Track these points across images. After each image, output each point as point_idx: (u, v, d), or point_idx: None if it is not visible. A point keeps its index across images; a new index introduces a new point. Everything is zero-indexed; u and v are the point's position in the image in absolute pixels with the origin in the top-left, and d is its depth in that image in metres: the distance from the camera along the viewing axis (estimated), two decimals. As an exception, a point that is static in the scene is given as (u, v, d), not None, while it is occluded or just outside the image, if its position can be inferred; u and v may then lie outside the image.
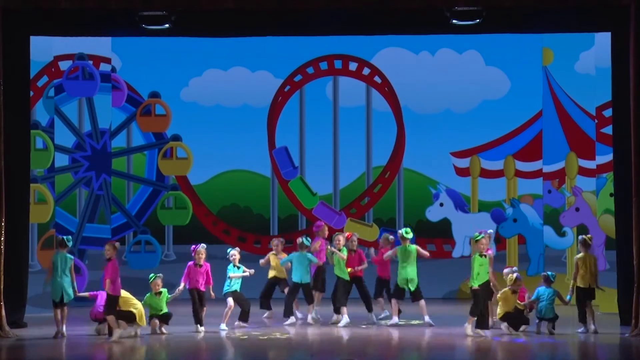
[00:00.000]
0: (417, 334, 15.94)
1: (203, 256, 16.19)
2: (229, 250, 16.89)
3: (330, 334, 16.12)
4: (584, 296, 16.10)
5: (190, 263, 16.18)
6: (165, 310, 16.00)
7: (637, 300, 15.63)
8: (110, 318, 15.26)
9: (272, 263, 17.91)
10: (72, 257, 16.00)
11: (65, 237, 16.32)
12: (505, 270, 16.23)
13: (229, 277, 16.70)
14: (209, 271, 16.29)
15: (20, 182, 16.69)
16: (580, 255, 16.28)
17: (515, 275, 15.98)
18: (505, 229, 21.31)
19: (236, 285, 16.73)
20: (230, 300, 16.56)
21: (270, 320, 17.64)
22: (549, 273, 16.38)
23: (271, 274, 17.97)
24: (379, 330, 16.41)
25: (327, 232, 18.18)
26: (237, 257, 16.84)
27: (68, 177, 20.49)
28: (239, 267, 16.77)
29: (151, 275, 16.24)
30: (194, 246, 16.28)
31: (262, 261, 17.94)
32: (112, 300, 15.31)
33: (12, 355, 14.18)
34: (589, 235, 16.51)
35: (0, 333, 15.57)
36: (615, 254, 16.85)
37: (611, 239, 18.09)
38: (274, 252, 17.93)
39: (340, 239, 17.38)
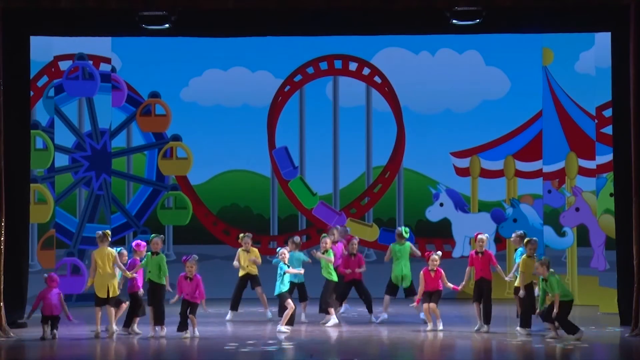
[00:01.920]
0: (417, 334, 15.93)
1: (194, 269, 15.59)
2: (279, 250, 16.61)
3: (329, 334, 16.12)
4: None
5: (182, 275, 15.70)
6: (157, 279, 15.65)
7: (637, 300, 15.62)
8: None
9: (242, 262, 17.67)
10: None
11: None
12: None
13: (283, 274, 16.33)
14: (201, 283, 15.61)
15: (20, 182, 16.68)
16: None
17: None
18: (505, 229, 21.30)
19: (288, 285, 16.48)
20: (290, 302, 16.25)
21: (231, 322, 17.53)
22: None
23: (242, 272, 17.75)
24: (379, 330, 16.41)
25: (336, 234, 17.97)
26: (287, 255, 16.58)
27: (68, 177, 20.49)
28: (288, 266, 16.51)
29: (152, 235, 16.09)
30: (184, 257, 15.81)
31: (235, 263, 17.71)
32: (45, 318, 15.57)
33: (12, 355, 14.18)
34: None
35: (0, 333, 15.57)
36: (615, 254, 16.85)
37: (611, 239, 18.08)
38: (243, 248, 17.68)
39: (327, 241, 17.25)
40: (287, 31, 17.80)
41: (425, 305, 16.32)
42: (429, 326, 16.21)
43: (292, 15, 16.65)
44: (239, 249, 17.88)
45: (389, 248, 17.55)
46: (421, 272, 16.45)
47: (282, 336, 15.71)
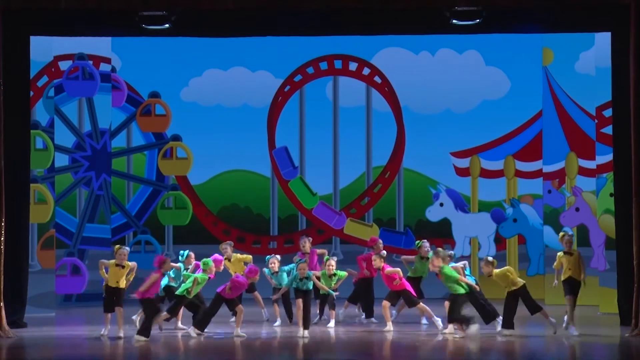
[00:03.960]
0: (416, 335, 15.94)
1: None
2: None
3: (329, 334, 16.13)
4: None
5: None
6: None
7: (637, 300, 15.63)
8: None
9: (230, 268, 17.17)
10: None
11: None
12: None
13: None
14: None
15: (20, 182, 16.68)
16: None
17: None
18: (505, 229, 21.31)
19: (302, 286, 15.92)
20: (298, 303, 15.82)
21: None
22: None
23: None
24: (379, 330, 16.41)
25: (307, 245, 17.59)
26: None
27: (68, 177, 20.49)
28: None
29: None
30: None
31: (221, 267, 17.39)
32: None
33: (12, 355, 14.18)
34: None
35: (0, 333, 15.57)
36: (615, 254, 16.85)
37: (611, 239, 18.08)
38: (225, 257, 17.03)
39: (332, 263, 16.83)
40: (287, 31, 17.80)
41: (384, 302, 16.14)
42: (387, 326, 16.06)
43: (292, 15, 16.65)
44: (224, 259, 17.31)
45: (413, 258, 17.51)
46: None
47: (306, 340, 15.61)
